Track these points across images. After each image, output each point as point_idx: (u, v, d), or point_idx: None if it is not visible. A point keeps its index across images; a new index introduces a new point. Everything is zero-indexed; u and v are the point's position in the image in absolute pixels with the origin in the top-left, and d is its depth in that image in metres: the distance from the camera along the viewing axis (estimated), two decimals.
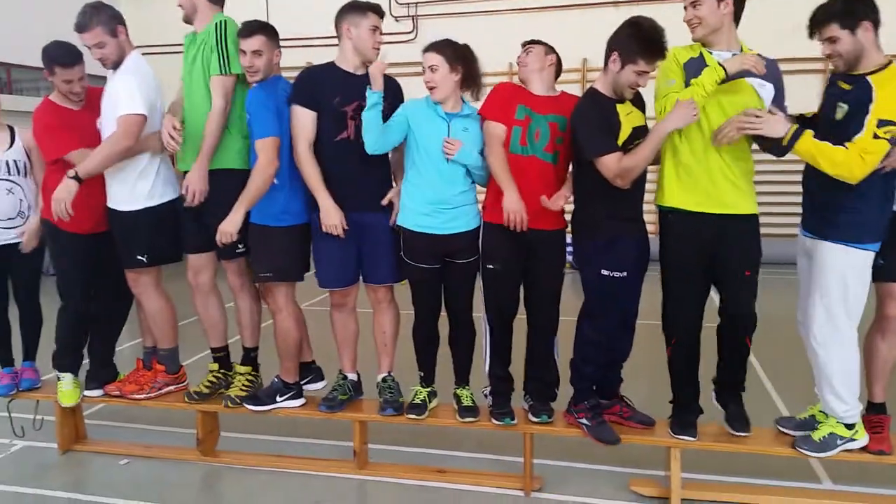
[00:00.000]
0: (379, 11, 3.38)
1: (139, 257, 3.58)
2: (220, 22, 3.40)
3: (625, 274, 3.15)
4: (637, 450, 3.44)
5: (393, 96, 3.37)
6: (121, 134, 3.36)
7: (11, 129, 3.93)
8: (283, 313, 3.54)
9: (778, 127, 2.87)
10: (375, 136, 3.23)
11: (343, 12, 3.36)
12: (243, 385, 3.73)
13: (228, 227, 3.34)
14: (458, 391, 3.51)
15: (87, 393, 3.85)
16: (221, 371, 3.80)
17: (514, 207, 3.13)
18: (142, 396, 3.79)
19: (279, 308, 3.55)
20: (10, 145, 3.87)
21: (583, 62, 9.75)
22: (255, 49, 3.31)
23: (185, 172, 3.51)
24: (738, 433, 3.19)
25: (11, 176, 3.83)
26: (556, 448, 3.72)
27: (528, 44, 3.34)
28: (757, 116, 2.89)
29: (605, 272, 3.14)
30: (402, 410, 3.51)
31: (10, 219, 3.82)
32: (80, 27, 3.41)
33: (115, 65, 3.50)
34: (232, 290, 3.71)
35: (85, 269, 3.74)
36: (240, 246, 3.50)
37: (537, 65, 3.30)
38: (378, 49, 3.38)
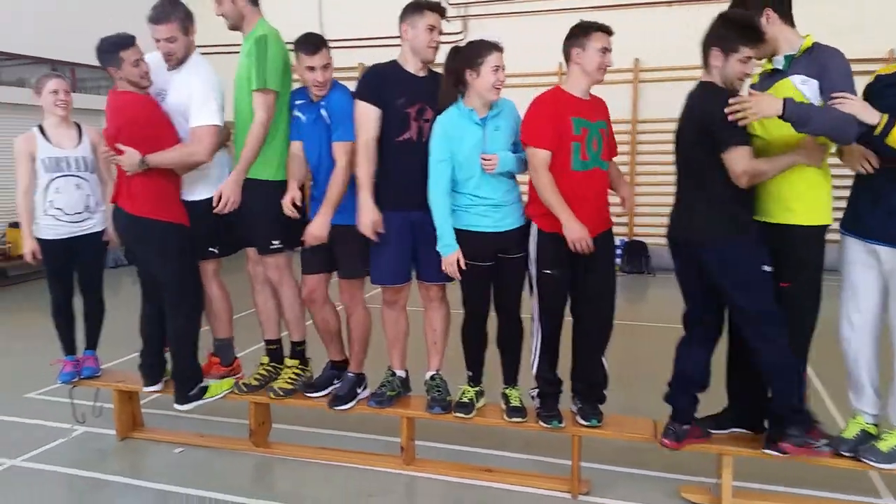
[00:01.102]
0: (438, 10, 3.39)
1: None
2: (261, 37, 3.45)
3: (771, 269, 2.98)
4: (687, 456, 3.39)
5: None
6: (202, 151, 3.47)
7: (79, 127, 4.08)
8: (361, 307, 3.68)
9: (771, 103, 2.75)
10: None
11: (403, 12, 3.40)
12: (289, 378, 3.80)
13: (320, 231, 3.43)
14: (507, 391, 3.51)
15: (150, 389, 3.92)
16: (272, 364, 3.87)
17: (577, 235, 3.12)
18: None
19: (358, 303, 3.66)
20: (79, 142, 4.02)
21: (635, 62, 9.64)
22: (324, 63, 3.39)
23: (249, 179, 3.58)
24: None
25: (80, 172, 3.97)
26: (605, 451, 3.70)
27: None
28: (742, 102, 2.78)
29: (765, 268, 2.94)
30: (449, 409, 3.53)
31: (77, 213, 3.96)
32: (157, 19, 3.48)
33: (179, 62, 3.59)
34: (273, 285, 3.78)
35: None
36: (275, 242, 3.59)
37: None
38: (435, 48, 3.39)
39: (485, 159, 3.24)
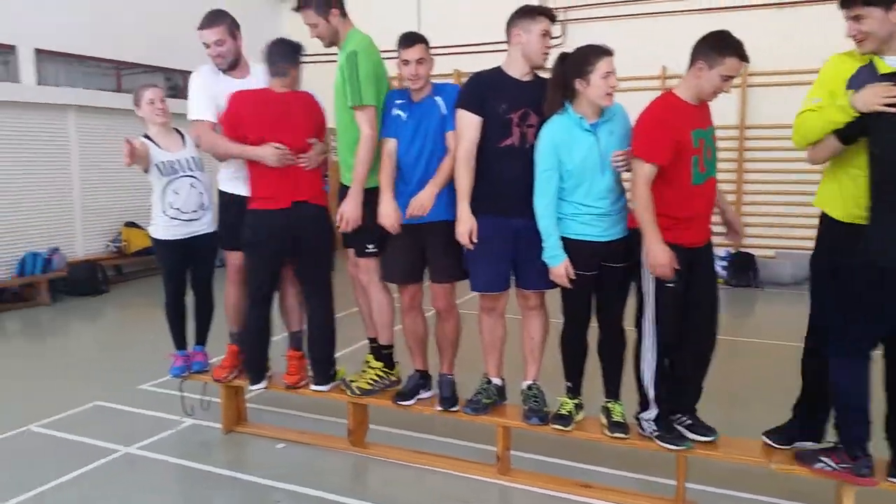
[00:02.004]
0: (550, 16, 3.35)
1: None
2: (352, 53, 3.50)
3: None
4: (801, 482, 3.19)
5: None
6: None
7: (177, 130, 4.25)
8: (456, 310, 3.69)
9: None
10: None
11: (514, 17, 3.36)
12: (371, 379, 3.85)
13: (427, 202, 3.45)
14: (609, 405, 3.41)
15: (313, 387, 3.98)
16: (384, 370, 3.91)
17: (661, 262, 3.01)
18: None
19: (453, 307, 3.69)
20: (184, 144, 4.20)
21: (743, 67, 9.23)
22: (418, 57, 3.41)
23: (346, 186, 3.69)
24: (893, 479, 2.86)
25: (193, 171, 4.14)
26: (707, 472, 3.53)
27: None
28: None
29: None
30: (547, 420, 3.46)
31: (193, 211, 4.13)
32: (206, 24, 3.76)
33: (231, 66, 3.83)
34: (364, 287, 3.84)
35: None
36: (369, 246, 3.66)
37: None
38: (547, 54, 3.35)
39: (618, 155, 3.16)
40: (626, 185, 3.24)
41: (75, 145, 9.14)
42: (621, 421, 3.36)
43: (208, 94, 3.81)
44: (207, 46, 3.77)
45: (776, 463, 3.07)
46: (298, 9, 3.66)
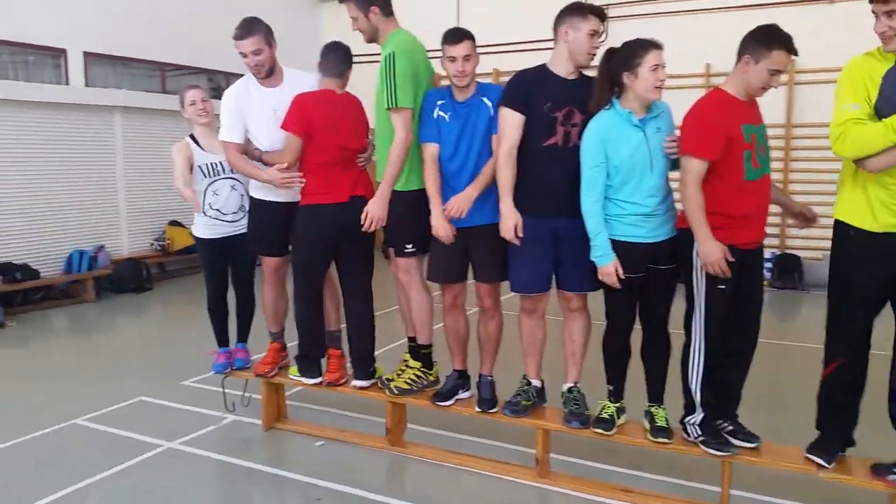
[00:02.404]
0: (601, 15, 3.30)
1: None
2: (389, 55, 3.50)
3: None
4: (847, 491, 3.10)
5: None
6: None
7: None
8: (500, 310, 3.69)
9: None
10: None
11: (563, 14, 3.31)
12: (409, 379, 3.85)
13: (464, 204, 3.43)
14: (652, 409, 3.36)
15: (355, 383, 4.02)
16: (422, 370, 3.90)
17: (714, 258, 2.95)
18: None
19: (498, 304, 3.67)
20: None
21: (791, 63, 9.01)
22: (465, 54, 3.38)
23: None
24: None
25: (234, 174, 4.18)
26: (749, 479, 3.43)
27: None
28: None
29: None
30: (588, 423, 3.42)
31: (233, 213, 4.18)
32: (242, 35, 3.78)
33: (268, 73, 3.87)
34: (403, 287, 3.84)
35: None
36: (408, 246, 3.67)
37: None
38: (594, 54, 3.30)
39: (670, 141, 3.12)
40: (673, 184, 3.18)
41: (121, 145, 9.36)
42: (665, 425, 3.30)
43: (235, 115, 3.91)
44: (244, 56, 3.81)
45: (824, 472, 2.98)
46: (342, 0, 3.71)
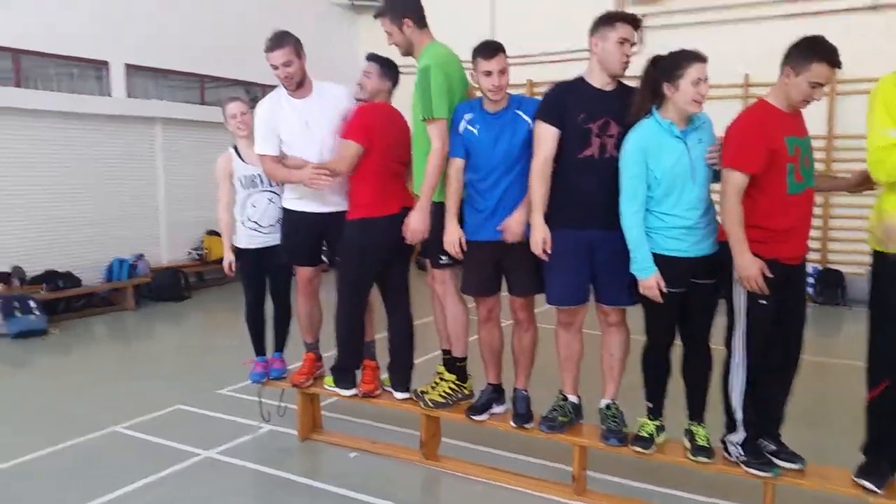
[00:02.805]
0: (632, 21, 3.25)
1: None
2: (425, 68, 3.51)
3: None
4: None
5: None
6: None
7: None
8: (535, 323, 3.66)
9: None
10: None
11: (594, 25, 3.29)
12: (444, 392, 3.84)
13: (518, 228, 3.42)
14: (693, 428, 3.29)
15: (396, 394, 4.02)
16: (457, 383, 3.89)
17: (750, 273, 2.90)
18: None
19: (532, 317, 3.64)
20: None
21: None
22: (500, 68, 3.37)
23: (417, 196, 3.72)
24: None
25: (272, 187, 4.23)
26: (795, 500, 3.34)
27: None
28: None
29: None
30: (626, 441, 3.36)
31: (271, 225, 4.22)
32: (273, 46, 3.82)
33: (298, 85, 3.89)
34: (438, 298, 3.83)
35: None
36: (443, 257, 3.66)
37: None
38: (627, 62, 3.26)
39: (713, 152, 3.06)
40: (714, 196, 3.13)
41: (161, 156, 9.55)
42: (705, 444, 3.23)
43: (269, 128, 3.97)
44: (275, 68, 3.85)
45: (875, 497, 2.89)
46: (377, 16, 3.75)
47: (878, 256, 2.90)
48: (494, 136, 3.46)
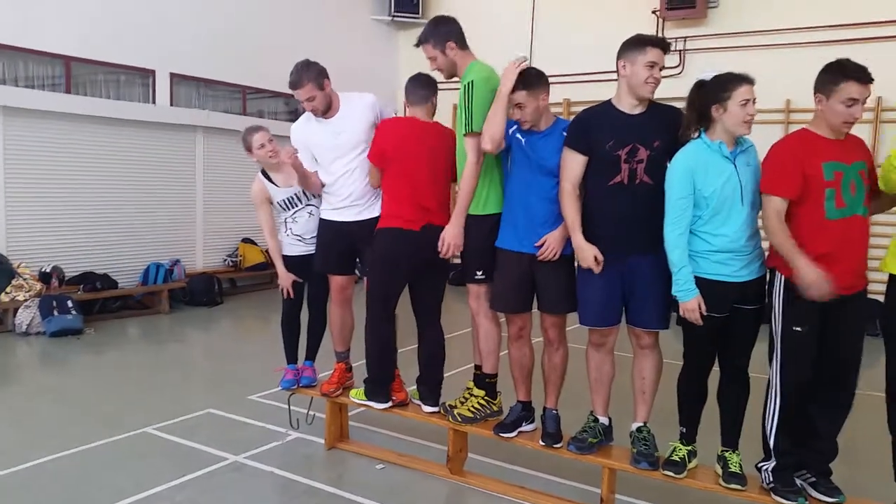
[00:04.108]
0: (661, 45, 3.25)
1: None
2: (468, 84, 3.55)
3: None
4: None
5: (677, 126, 3.26)
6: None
7: None
8: (566, 342, 3.65)
9: None
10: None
11: (621, 49, 3.30)
12: (473, 407, 3.82)
13: (560, 245, 3.44)
14: (727, 454, 3.23)
15: (426, 408, 4.01)
16: (486, 398, 3.87)
17: (812, 279, 2.84)
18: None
19: (563, 336, 3.64)
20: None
21: (877, 101, 8.70)
22: (518, 102, 3.41)
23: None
24: None
25: (311, 201, 4.29)
26: None
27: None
28: None
29: None
30: (657, 465, 3.31)
31: (312, 236, 4.27)
32: (294, 85, 3.91)
33: (324, 112, 3.99)
34: (471, 314, 3.82)
35: None
36: (478, 273, 3.68)
37: None
38: (654, 84, 3.24)
39: None
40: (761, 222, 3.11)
41: (201, 164, 9.73)
42: (738, 471, 3.17)
43: (302, 147, 4.10)
44: (301, 101, 3.98)
45: None
46: (418, 45, 3.79)
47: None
48: (528, 158, 3.49)
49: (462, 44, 3.72)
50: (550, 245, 3.44)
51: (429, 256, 3.76)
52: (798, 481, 3.08)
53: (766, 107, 8.84)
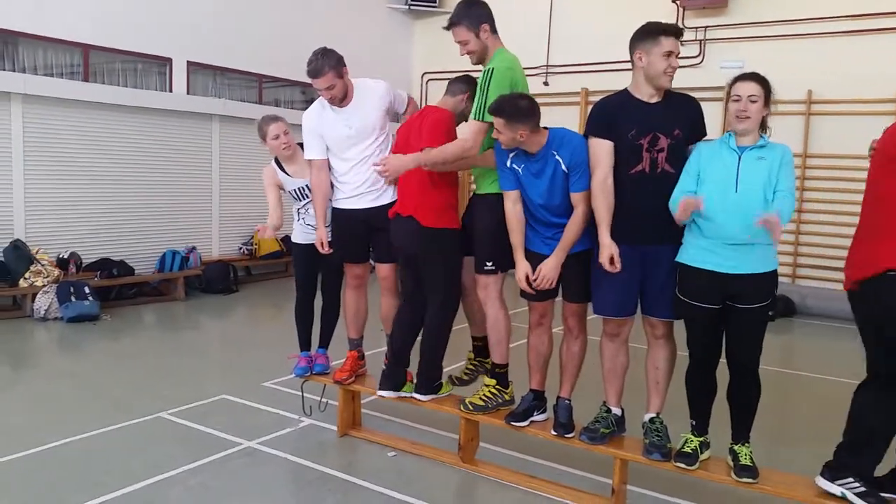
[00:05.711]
0: (675, 32, 3.22)
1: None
2: (488, 70, 3.52)
3: None
4: None
5: (695, 116, 3.27)
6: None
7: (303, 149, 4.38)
8: (585, 331, 3.64)
9: None
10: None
11: (634, 39, 3.27)
12: (484, 396, 3.81)
13: (553, 273, 3.44)
14: (737, 447, 3.20)
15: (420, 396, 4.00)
16: (498, 387, 3.85)
17: None
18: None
19: (584, 325, 3.63)
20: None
21: (808, 94, 8.56)
22: (496, 128, 3.39)
23: (477, 195, 3.78)
24: None
25: None
26: None
27: None
28: None
29: None
30: (669, 456, 3.29)
31: (326, 226, 4.23)
32: (314, 74, 3.89)
33: (341, 101, 3.97)
34: (482, 302, 3.81)
35: None
36: (488, 263, 3.66)
37: None
38: (672, 74, 3.22)
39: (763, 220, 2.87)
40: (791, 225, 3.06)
41: (217, 152, 9.78)
42: (749, 464, 3.14)
43: (316, 135, 4.11)
44: (319, 90, 3.95)
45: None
46: (450, 27, 3.70)
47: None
48: (534, 172, 3.43)
49: (494, 28, 3.67)
50: (546, 277, 3.44)
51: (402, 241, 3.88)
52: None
53: (788, 98, 8.76)
